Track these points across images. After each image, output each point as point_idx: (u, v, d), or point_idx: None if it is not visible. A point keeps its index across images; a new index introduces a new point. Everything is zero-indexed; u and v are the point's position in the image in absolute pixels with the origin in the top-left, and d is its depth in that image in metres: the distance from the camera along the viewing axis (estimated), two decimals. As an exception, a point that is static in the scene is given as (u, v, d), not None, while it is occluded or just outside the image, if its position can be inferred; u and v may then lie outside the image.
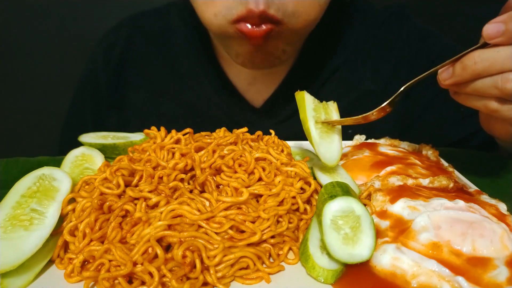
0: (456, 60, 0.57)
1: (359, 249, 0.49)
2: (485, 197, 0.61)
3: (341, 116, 0.68)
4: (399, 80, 0.98)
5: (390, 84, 0.98)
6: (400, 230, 0.52)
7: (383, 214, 0.56)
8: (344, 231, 0.50)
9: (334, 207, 0.52)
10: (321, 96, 0.97)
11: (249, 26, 0.74)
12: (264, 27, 0.74)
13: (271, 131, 0.76)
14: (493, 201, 0.59)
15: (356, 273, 0.49)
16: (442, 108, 0.99)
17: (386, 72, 0.99)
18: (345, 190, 0.56)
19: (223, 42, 0.83)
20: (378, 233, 0.53)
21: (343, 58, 0.99)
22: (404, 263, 0.48)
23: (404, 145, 0.82)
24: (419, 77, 0.59)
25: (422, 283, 0.46)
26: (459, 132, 0.99)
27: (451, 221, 0.51)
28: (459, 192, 0.62)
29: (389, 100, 0.60)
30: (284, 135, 0.77)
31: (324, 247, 0.50)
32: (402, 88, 0.60)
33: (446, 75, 0.58)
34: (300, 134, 0.84)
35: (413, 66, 0.99)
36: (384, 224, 0.55)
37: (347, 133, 0.96)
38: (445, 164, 0.75)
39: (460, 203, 0.54)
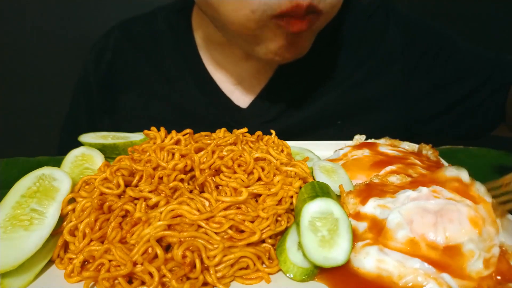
0: None
1: (335, 252, 0.48)
2: (448, 170, 0.59)
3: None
4: (391, 70, 0.99)
5: (380, 75, 0.99)
6: (378, 231, 0.52)
7: (357, 216, 0.56)
8: (322, 233, 0.50)
9: (313, 208, 0.52)
10: (308, 93, 0.98)
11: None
12: (307, 18, 0.72)
13: (272, 131, 0.76)
14: (453, 172, 0.57)
15: (344, 277, 0.49)
16: (432, 102, 1.01)
17: (375, 64, 1.00)
18: (325, 192, 0.55)
19: (252, 40, 0.79)
20: (358, 236, 0.52)
21: (330, 54, 0.99)
22: (389, 264, 0.47)
23: (404, 145, 0.82)
24: None
25: (410, 283, 0.46)
26: (446, 120, 1.02)
27: (421, 212, 0.51)
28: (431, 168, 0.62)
29: None
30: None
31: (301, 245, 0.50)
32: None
33: None
34: (287, 132, 0.84)
35: (408, 54, 1.00)
36: (362, 226, 0.54)
37: (336, 124, 0.97)
38: (445, 164, 0.75)
39: (423, 190, 0.54)
